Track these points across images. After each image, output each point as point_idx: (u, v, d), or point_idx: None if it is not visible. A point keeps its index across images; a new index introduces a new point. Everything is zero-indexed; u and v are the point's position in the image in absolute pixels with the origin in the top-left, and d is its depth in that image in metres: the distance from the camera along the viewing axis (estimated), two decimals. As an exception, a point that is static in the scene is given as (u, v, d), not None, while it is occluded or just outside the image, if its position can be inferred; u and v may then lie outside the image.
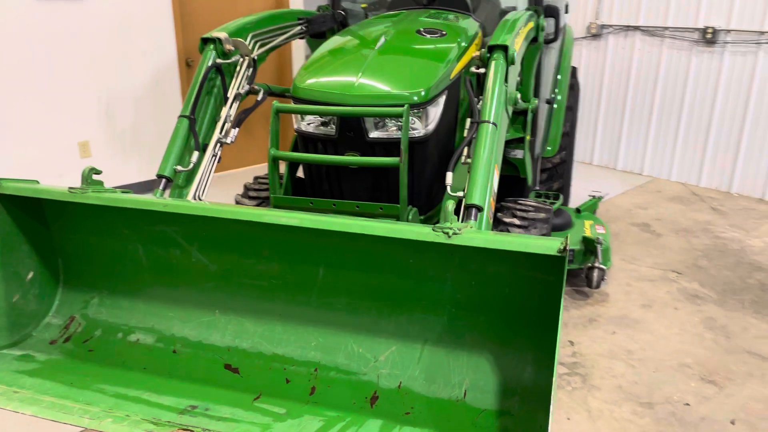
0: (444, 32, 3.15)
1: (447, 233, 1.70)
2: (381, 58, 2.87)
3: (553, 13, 3.65)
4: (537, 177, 4.41)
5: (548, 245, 1.63)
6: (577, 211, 4.46)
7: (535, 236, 1.85)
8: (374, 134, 2.72)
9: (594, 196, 4.75)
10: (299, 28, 3.41)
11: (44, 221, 2.33)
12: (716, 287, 4.10)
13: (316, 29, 3.53)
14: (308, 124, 2.85)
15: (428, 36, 3.10)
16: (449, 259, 1.93)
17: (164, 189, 2.46)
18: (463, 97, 3.04)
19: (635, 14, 6.32)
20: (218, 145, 2.69)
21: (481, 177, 2.19)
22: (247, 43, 2.86)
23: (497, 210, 3.22)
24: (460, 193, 2.20)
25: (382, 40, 2.98)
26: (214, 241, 2.19)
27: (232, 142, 2.75)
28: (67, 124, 5.19)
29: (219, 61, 2.72)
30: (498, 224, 3.10)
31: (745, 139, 5.80)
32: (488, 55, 2.45)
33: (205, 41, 2.76)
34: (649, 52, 6.30)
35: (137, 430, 1.68)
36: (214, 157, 2.63)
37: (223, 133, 2.73)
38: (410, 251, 1.96)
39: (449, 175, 2.30)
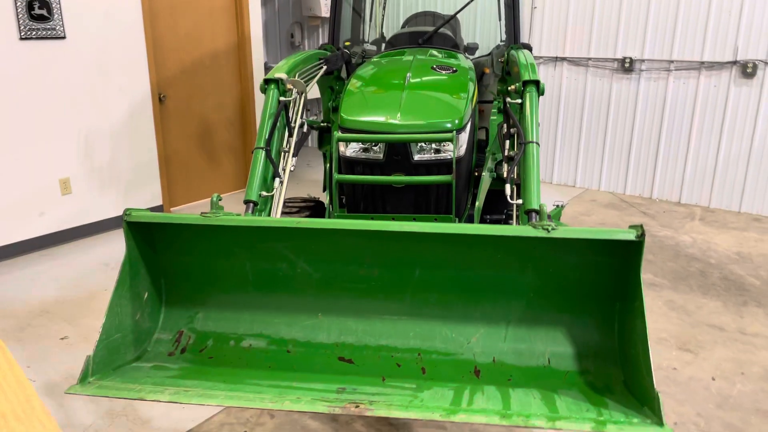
0: (455, 69, 3.67)
1: (547, 229, 2.18)
2: (414, 93, 3.34)
3: (528, 49, 4.29)
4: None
5: (626, 234, 2.15)
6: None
7: (607, 228, 2.36)
8: (417, 157, 3.17)
9: (557, 205, 5.42)
10: (320, 66, 3.81)
11: (153, 246, 2.58)
12: (667, 276, 4.85)
13: (333, 67, 3.94)
14: (353, 150, 3.25)
15: (444, 72, 3.61)
16: (531, 252, 2.41)
17: (252, 213, 2.77)
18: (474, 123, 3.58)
19: (561, 47, 7.19)
20: (285, 172, 3.03)
21: (535, 187, 2.69)
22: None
23: (508, 218, 3.75)
24: (520, 201, 2.69)
25: (408, 77, 3.45)
26: (319, 252, 2.54)
27: (293, 169, 3.09)
28: (48, 162, 5.21)
29: (282, 99, 3.07)
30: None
31: (661, 151, 6.76)
32: (522, 88, 2.99)
33: (268, 81, 3.11)
34: (576, 80, 7.18)
35: (320, 405, 2.00)
36: (282, 184, 2.96)
37: (286, 161, 3.07)
38: (498, 248, 2.42)
39: (507, 187, 2.79)
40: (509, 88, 3.03)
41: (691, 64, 6.40)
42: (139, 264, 2.48)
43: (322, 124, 4.16)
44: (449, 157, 3.17)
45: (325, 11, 8.57)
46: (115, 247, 5.33)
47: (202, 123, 6.57)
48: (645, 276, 4.81)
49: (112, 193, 5.74)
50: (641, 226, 2.14)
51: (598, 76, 7.03)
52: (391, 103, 3.27)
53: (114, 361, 2.33)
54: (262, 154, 2.90)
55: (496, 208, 4.00)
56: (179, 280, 2.65)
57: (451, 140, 3.06)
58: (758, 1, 5.91)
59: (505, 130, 3.14)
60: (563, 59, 7.19)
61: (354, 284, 2.56)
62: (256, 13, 6.73)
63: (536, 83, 2.98)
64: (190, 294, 2.66)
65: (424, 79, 3.55)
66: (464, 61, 3.95)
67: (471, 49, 4.98)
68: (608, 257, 2.36)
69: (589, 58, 7.03)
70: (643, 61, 6.69)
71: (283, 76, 3.10)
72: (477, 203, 3.54)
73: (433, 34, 4.25)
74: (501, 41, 5.48)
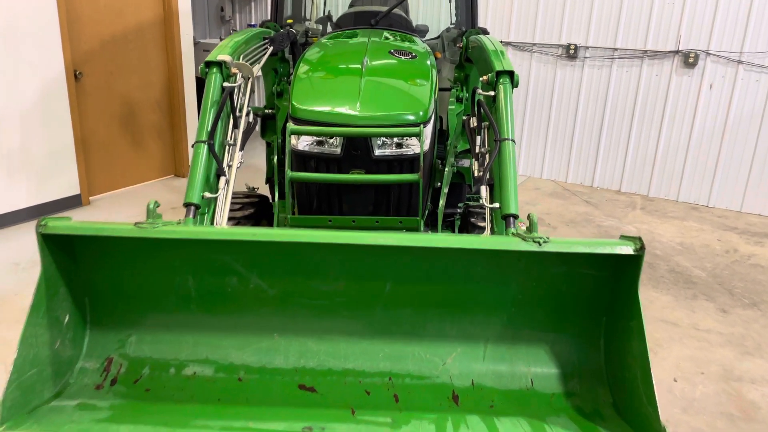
0: (413, 54, 3.38)
1: (538, 242, 1.95)
2: (373, 80, 3.03)
3: (485, 33, 4.06)
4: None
5: (623, 246, 1.95)
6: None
7: (606, 239, 2.14)
8: (378, 152, 2.88)
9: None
10: (265, 46, 3.43)
11: (75, 259, 2.18)
12: (617, 269, 4.79)
13: (278, 48, 3.56)
14: (306, 144, 2.92)
15: (403, 58, 3.32)
16: (515, 264, 2.18)
17: (194, 217, 2.40)
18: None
19: (507, 31, 7.02)
20: (231, 169, 2.66)
21: (512, 189, 2.46)
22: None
23: (467, 215, 3.53)
24: (496, 205, 2.45)
25: (365, 61, 3.13)
26: (275, 265, 2.21)
27: (240, 165, 2.73)
28: (-55, 147, 4.57)
29: (227, 84, 2.69)
30: (472, 228, 3.41)
31: (603, 139, 6.75)
32: (495, 79, 2.74)
33: (209, 65, 2.71)
34: (520, 66, 7.04)
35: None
36: (227, 183, 2.60)
37: (231, 156, 2.70)
38: (480, 260, 2.18)
39: (484, 190, 2.54)
40: (481, 79, 2.78)
41: (634, 52, 6.38)
42: (57, 282, 2.07)
43: (266, 111, 3.78)
44: (414, 152, 2.89)
45: (258, -16, 8.05)
46: (26, 244, 4.76)
47: (126, 103, 5.99)
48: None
49: (23, 182, 5.13)
50: (639, 239, 1.95)
51: (543, 62, 6.92)
52: (349, 92, 2.95)
53: (29, 401, 1.94)
54: (204, 148, 2.53)
55: (450, 202, 3.78)
56: (107, 299, 2.26)
57: (417, 135, 2.79)
58: (701, -9, 5.93)
59: (474, 124, 2.89)
60: (507, 44, 7.03)
61: (314, 300, 2.25)
62: (185, -16, 6.17)
63: (510, 74, 2.74)
64: (120, 314, 2.27)
65: (382, 64, 3.25)
66: (421, 45, 3.67)
67: (421, 31, 4.70)
68: (598, 270, 2.16)
69: (534, 44, 6.90)
70: (587, 48, 6.62)
71: (226, 58, 2.72)
72: (441, 201, 3.29)
73: (386, 15, 3.93)
74: (451, 24, 5.24)
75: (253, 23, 8.52)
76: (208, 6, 8.81)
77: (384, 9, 4.07)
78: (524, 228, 2.12)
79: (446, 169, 3.46)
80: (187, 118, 6.49)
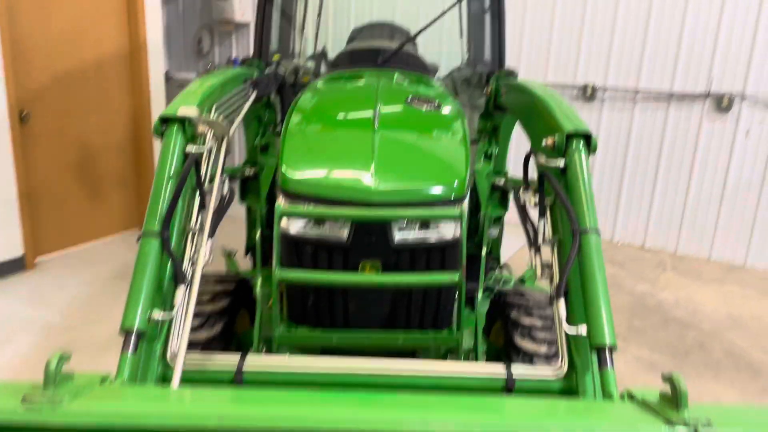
0: (436, 102, 2.63)
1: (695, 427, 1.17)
2: (388, 139, 2.26)
3: (514, 75, 3.35)
4: None
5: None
6: (521, 281, 4.16)
7: None
8: (399, 237, 2.10)
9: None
10: (248, 91, 2.66)
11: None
12: (664, 352, 4.03)
13: (264, 93, 2.79)
14: (301, 226, 2.13)
15: (424, 107, 2.56)
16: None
17: (135, 350, 1.58)
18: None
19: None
20: (195, 271, 1.85)
21: (605, 306, 1.68)
22: (217, 119, 2.06)
23: (503, 305, 2.72)
24: (582, 330, 1.68)
25: (376, 113, 2.37)
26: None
27: (211, 260, 1.92)
28: None
29: (191, 148, 1.90)
30: (514, 325, 2.61)
31: (624, 189, 6.06)
32: (565, 144, 1.98)
33: (166, 122, 1.91)
34: (530, 106, 6.36)
35: None
36: (188, 291, 1.78)
37: (195, 250, 1.89)
38: None
39: (562, 304, 1.76)
40: (545, 143, 2.03)
41: (659, 94, 5.73)
42: None
43: (247, 173, 2.98)
44: (448, 238, 2.12)
45: (240, 16, 7.33)
46: (-52, 323, 3.88)
47: (83, 147, 5.16)
48: (640, 352, 3.97)
49: (-50, 245, 4.25)
50: None
51: (556, 103, 6.24)
52: (359, 155, 2.18)
53: None
54: (155, 245, 1.72)
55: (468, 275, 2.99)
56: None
57: (459, 218, 2.02)
58: (735, 28, 5.32)
59: (531, 201, 2.13)
60: (516, 83, 6.35)
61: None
62: (155, 13, 5.41)
63: (587, 138, 1.99)
64: None
65: (399, 116, 2.48)
66: (443, 90, 2.93)
67: (431, 71, 3.97)
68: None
69: (546, 84, 6.21)
70: (606, 89, 5.97)
71: (191, 112, 1.93)
72: (477, 308, 2.49)
73: (396, 53, 3.18)
74: (463, 62, 4.55)
75: (234, 57, 7.78)
76: (184, 37, 8.07)
77: (390, 45, 3.34)
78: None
79: (484, 248, 2.69)
80: (155, 162, 5.66)
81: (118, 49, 5.26)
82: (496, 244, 3.40)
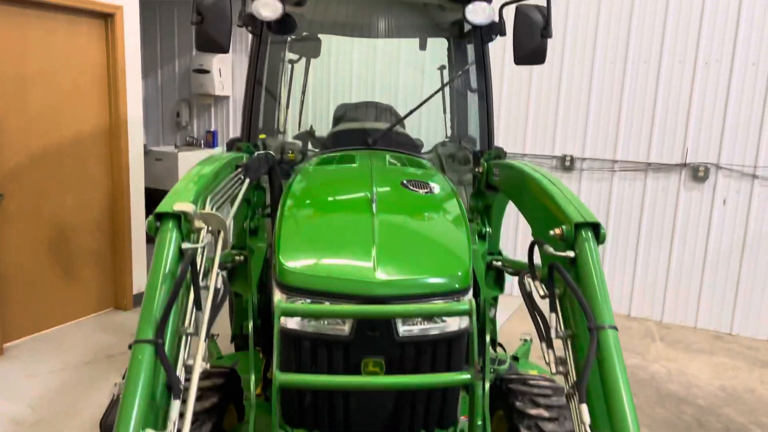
0: (431, 186, 2.59)
1: None
2: (388, 225, 2.20)
3: (504, 155, 3.37)
4: None
5: None
6: (515, 359, 4.05)
7: None
8: (404, 330, 2.01)
9: (526, 340, 4.41)
10: (240, 177, 2.59)
11: None
12: (661, 430, 3.92)
13: (255, 177, 2.72)
14: (298, 320, 2.03)
15: (420, 191, 2.52)
16: None
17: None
18: None
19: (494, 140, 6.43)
20: (191, 378, 1.72)
21: (630, 409, 1.60)
22: (212, 210, 1.98)
23: (506, 392, 2.60)
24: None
25: (373, 197, 2.32)
26: None
27: (207, 366, 1.79)
28: None
29: (187, 246, 1.80)
30: (519, 416, 2.49)
31: (607, 258, 6.07)
32: (574, 234, 1.94)
33: (161, 217, 1.82)
34: (510, 176, 6.42)
35: None
36: (184, 402, 1.65)
37: (190, 354, 1.77)
38: None
39: (585, 411, 1.66)
40: (552, 233, 1.98)
41: (637, 164, 5.84)
42: None
43: (237, 258, 2.87)
44: (455, 329, 2.03)
45: (220, 89, 7.38)
46: None
47: (57, 227, 5.00)
48: (639, 432, 3.84)
49: None
50: None
51: (536, 174, 6.30)
52: (358, 244, 2.11)
53: None
54: (148, 353, 1.60)
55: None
56: None
57: (469, 313, 1.94)
58: (706, 101, 5.49)
59: (540, 289, 2.06)
60: (496, 154, 6.42)
61: None
62: (136, 90, 5.39)
63: (595, 228, 1.95)
64: None
65: (396, 201, 2.44)
66: (435, 171, 2.91)
67: (419, 148, 3.98)
68: None
69: (525, 154, 6.32)
70: (584, 159, 6.07)
71: (188, 207, 1.84)
72: (477, 408, 2.37)
73: (387, 133, 3.17)
74: (446, 137, 4.58)
75: (212, 129, 7.77)
76: (162, 110, 8.07)
77: (377, 125, 3.33)
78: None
79: (488, 335, 2.60)
80: (133, 239, 5.52)
81: (97, 126, 5.19)
82: (493, 324, 3.32)
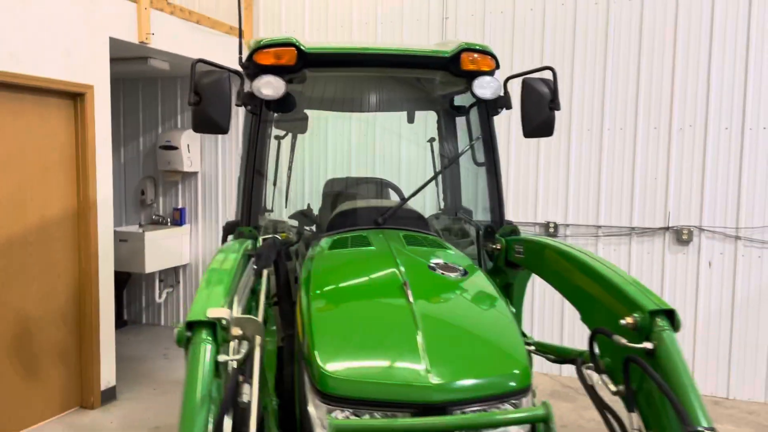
0: (460, 268, 2.42)
1: None
2: (429, 319, 2.00)
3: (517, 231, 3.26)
4: None
5: None
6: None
7: None
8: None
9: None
10: (253, 267, 2.36)
11: None
12: None
13: (266, 266, 2.49)
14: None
15: (451, 275, 2.34)
16: None
17: None
18: None
19: (474, 210, 6.37)
20: None
21: None
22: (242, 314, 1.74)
23: None
24: None
25: (406, 286, 2.12)
26: None
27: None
28: None
29: (225, 358, 1.55)
30: None
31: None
32: (650, 325, 1.78)
33: (192, 326, 1.57)
34: (493, 245, 6.32)
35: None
36: None
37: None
38: None
39: None
40: (623, 323, 1.82)
41: (620, 229, 5.84)
42: None
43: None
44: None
45: (188, 165, 7.14)
46: None
47: (19, 321, 4.57)
48: None
49: None
50: None
51: (520, 242, 6.23)
52: (402, 341, 1.90)
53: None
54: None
55: None
56: None
57: (545, 420, 1.73)
58: (684, 166, 5.58)
59: (610, 385, 1.88)
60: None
61: None
62: (106, 170, 5.11)
63: (670, 314, 1.80)
64: None
65: (430, 287, 2.25)
66: (455, 250, 2.75)
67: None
68: None
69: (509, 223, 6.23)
70: (567, 225, 6.04)
71: (224, 313, 1.60)
72: None
73: (395, 211, 3.02)
74: (440, 209, 4.47)
75: (180, 207, 7.47)
76: (125, 189, 7.74)
77: (386, 202, 3.17)
78: None
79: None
80: (102, 330, 5.10)
81: (64, 210, 4.86)
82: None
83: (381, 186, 3.90)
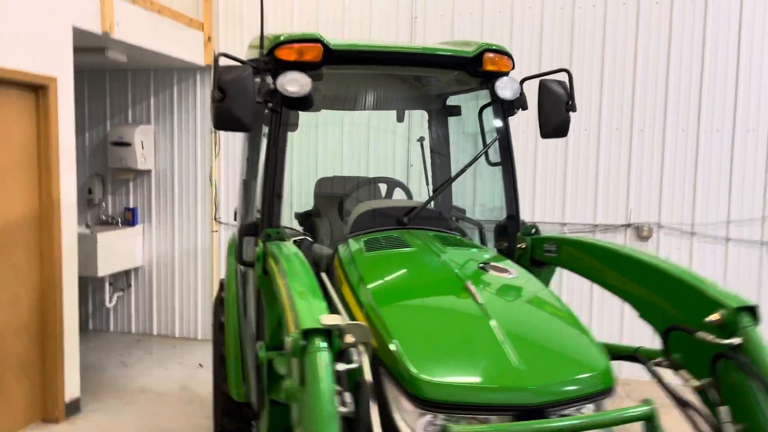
0: (510, 270, 2.44)
1: None
2: (505, 320, 2.00)
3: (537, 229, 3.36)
4: None
5: None
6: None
7: None
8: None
9: None
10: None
11: None
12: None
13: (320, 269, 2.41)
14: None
15: (504, 276, 2.35)
16: None
17: None
18: None
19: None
20: None
21: None
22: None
23: None
24: None
25: (469, 289, 2.11)
26: None
27: None
28: None
29: (344, 367, 1.48)
30: None
31: (562, 320, 6.17)
32: (735, 321, 1.85)
33: (308, 335, 1.49)
34: (460, 243, 6.42)
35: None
36: None
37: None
38: None
39: None
40: (709, 320, 1.88)
41: (585, 226, 6.06)
42: None
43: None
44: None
45: (142, 163, 6.80)
46: None
47: (-21, 332, 4.21)
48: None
49: None
50: None
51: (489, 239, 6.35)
52: (486, 343, 1.90)
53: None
54: None
55: None
56: None
57: (649, 418, 1.76)
58: (644, 165, 5.87)
59: (693, 382, 1.94)
60: (445, 222, 6.41)
61: None
62: (70, 169, 4.79)
63: (753, 311, 1.89)
64: None
65: (492, 288, 2.25)
66: (488, 249, 2.77)
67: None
68: None
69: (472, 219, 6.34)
70: (534, 223, 6.18)
71: (337, 319, 1.54)
72: None
73: (421, 210, 3.01)
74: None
75: (132, 206, 7.10)
76: (69, 188, 7.25)
77: (411, 202, 3.16)
78: None
79: None
80: (66, 339, 4.78)
81: (26, 212, 4.51)
82: None
83: (392, 186, 3.88)
